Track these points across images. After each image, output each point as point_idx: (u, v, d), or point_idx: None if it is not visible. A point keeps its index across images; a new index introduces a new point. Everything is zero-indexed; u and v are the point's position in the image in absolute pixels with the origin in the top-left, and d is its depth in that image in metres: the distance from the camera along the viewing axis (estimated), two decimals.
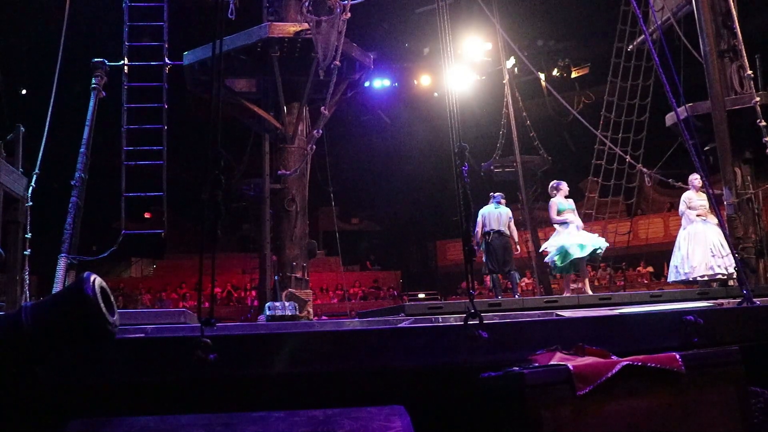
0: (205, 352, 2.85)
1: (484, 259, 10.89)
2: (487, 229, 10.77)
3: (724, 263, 9.18)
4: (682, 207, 9.90)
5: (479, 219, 10.92)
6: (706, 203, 9.60)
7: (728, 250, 9.02)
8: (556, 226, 9.48)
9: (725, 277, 9.28)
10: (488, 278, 10.80)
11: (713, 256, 9.24)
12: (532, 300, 7.56)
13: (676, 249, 9.84)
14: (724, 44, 10.09)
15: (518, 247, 11.29)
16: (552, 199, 9.58)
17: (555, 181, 9.80)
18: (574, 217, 9.40)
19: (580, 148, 17.86)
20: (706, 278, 9.37)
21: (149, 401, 3.14)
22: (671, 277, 9.95)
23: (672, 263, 9.91)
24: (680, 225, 10.12)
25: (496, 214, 10.79)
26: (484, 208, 11.01)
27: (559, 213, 9.36)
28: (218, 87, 3.46)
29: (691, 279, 9.44)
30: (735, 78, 9.97)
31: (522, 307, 6.33)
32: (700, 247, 9.42)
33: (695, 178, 9.65)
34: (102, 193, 9.13)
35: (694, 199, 9.75)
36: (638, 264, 21.06)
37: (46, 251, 7.50)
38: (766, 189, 10.18)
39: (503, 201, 11.14)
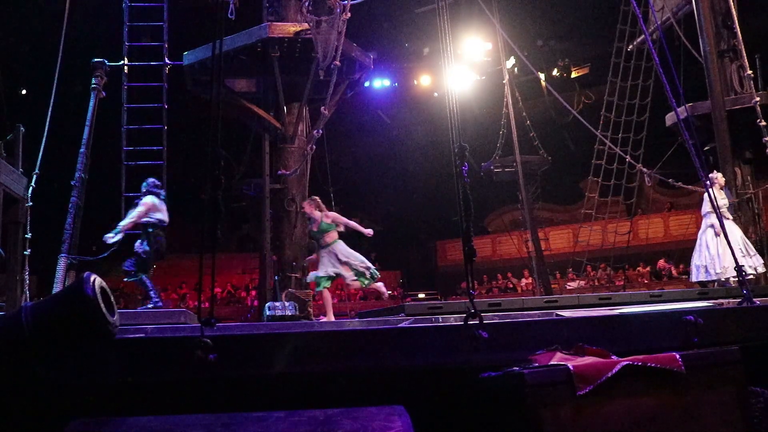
0: (205, 352, 2.85)
1: None
2: None
3: (753, 263, 9.04)
4: (706, 206, 9.63)
5: None
6: (727, 201, 9.30)
7: (754, 250, 8.99)
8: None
9: (754, 277, 9.15)
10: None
11: (743, 256, 9.09)
12: (532, 300, 7.54)
13: (702, 248, 9.39)
14: (724, 44, 10.10)
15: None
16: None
17: None
18: None
19: (580, 148, 17.83)
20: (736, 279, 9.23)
21: (149, 401, 3.14)
22: (698, 276, 9.47)
23: (696, 262, 9.47)
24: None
25: None
26: None
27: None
28: (218, 87, 3.46)
29: (723, 279, 9.25)
30: (735, 78, 9.98)
31: (522, 307, 6.31)
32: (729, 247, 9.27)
33: (716, 176, 9.27)
34: (102, 193, 9.13)
35: (717, 198, 9.49)
36: (638, 264, 21.03)
37: (46, 251, 7.51)
38: (766, 189, 10.17)
39: None
